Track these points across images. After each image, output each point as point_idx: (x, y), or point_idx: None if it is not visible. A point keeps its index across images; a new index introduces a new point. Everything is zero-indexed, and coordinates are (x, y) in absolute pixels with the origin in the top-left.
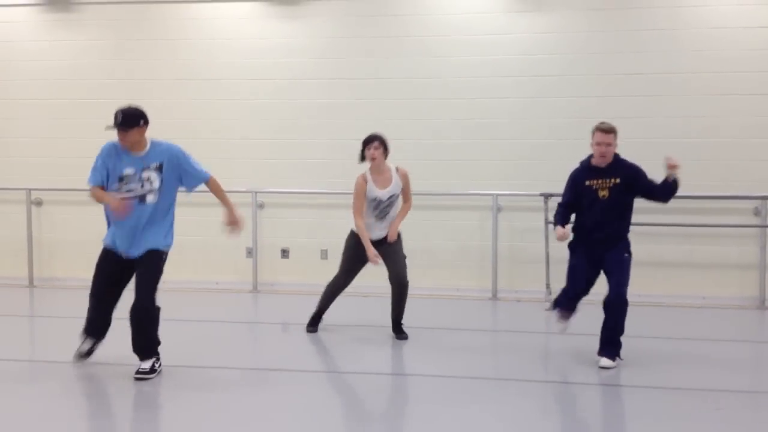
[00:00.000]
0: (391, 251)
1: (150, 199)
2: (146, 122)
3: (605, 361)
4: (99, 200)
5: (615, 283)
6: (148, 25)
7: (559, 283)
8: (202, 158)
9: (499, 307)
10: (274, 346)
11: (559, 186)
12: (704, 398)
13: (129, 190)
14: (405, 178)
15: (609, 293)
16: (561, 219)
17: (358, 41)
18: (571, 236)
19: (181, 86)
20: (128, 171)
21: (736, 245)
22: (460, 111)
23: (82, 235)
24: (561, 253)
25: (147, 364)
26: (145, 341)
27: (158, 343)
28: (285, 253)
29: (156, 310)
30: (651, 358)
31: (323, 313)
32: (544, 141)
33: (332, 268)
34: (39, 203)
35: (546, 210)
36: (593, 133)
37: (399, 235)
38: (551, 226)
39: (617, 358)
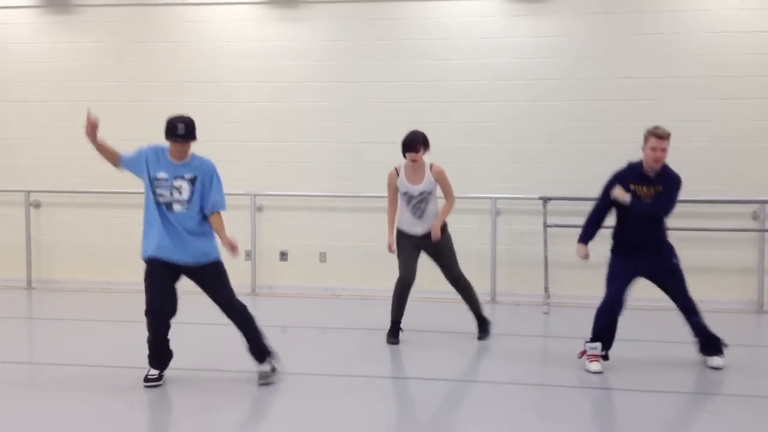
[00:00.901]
0: (436, 250)
1: (177, 208)
2: (196, 136)
3: (716, 360)
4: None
5: (680, 293)
6: (148, 28)
7: (558, 286)
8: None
9: (498, 310)
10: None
11: (558, 189)
12: (702, 402)
13: (160, 194)
14: (439, 175)
15: (679, 304)
16: (586, 231)
17: (357, 44)
18: (626, 198)
19: (181, 89)
20: (161, 175)
21: (735, 249)
22: (460, 114)
23: (81, 237)
24: (559, 257)
25: (267, 366)
26: (258, 341)
27: (265, 340)
28: (284, 255)
29: (246, 309)
30: (649, 362)
31: (399, 320)
32: (544, 145)
33: (331, 271)
34: (37, 205)
35: (545, 213)
36: (646, 137)
37: (445, 230)
38: (550, 229)
39: (724, 349)
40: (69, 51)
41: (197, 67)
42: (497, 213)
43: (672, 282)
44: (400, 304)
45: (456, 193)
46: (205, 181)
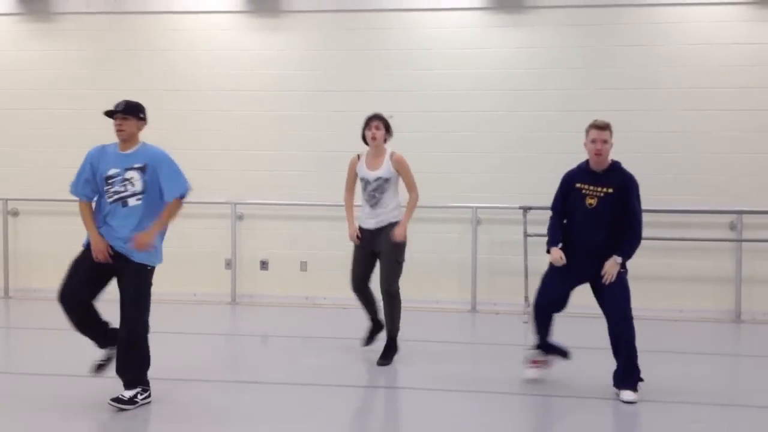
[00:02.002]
0: (383, 251)
1: (132, 202)
2: (145, 119)
3: (627, 394)
4: (84, 223)
5: (613, 305)
6: (129, 36)
7: None
8: (182, 169)
9: (478, 319)
10: (252, 359)
11: (539, 199)
12: (682, 411)
13: (116, 192)
14: (399, 164)
15: (608, 315)
16: (554, 234)
17: (339, 54)
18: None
19: (162, 97)
20: (113, 171)
21: (712, 259)
22: (441, 124)
23: (59, 245)
24: (540, 266)
25: (129, 392)
26: (131, 366)
27: (146, 367)
28: (264, 264)
29: (144, 332)
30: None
31: (371, 320)
32: (524, 155)
33: (311, 280)
34: (15, 213)
35: (525, 223)
36: (587, 130)
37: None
38: (530, 239)
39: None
40: (49, 59)
41: (178, 76)
42: (478, 222)
43: (606, 290)
44: (360, 299)
45: (437, 202)
46: (157, 169)
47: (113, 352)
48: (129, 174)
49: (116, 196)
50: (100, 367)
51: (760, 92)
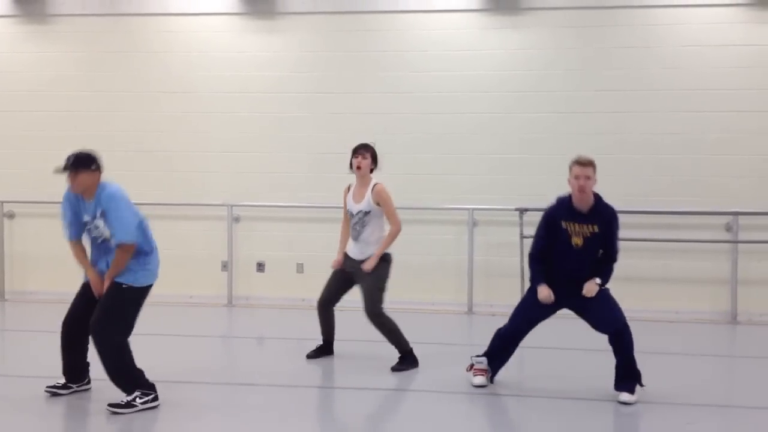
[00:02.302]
0: (363, 281)
1: (113, 243)
2: (98, 168)
3: (625, 396)
4: (79, 263)
5: (603, 317)
6: (124, 38)
7: None
8: (178, 171)
9: (475, 321)
10: (248, 361)
11: (535, 201)
12: (678, 412)
13: (95, 237)
14: (379, 195)
15: (603, 328)
16: (540, 271)
17: (335, 56)
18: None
19: (158, 99)
20: (86, 218)
21: (709, 260)
22: (437, 126)
23: (55, 248)
24: None
25: (127, 397)
26: (115, 376)
27: (132, 373)
28: (261, 266)
29: (117, 343)
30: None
31: (330, 340)
32: (520, 156)
33: (308, 282)
34: (11, 216)
35: (521, 224)
36: (570, 167)
37: (387, 260)
38: (526, 240)
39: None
40: (44, 61)
41: (174, 78)
42: (474, 224)
43: (597, 306)
44: (321, 323)
45: (433, 204)
46: (104, 209)
47: (70, 389)
48: (96, 222)
49: (100, 239)
50: (52, 389)
51: (756, 94)
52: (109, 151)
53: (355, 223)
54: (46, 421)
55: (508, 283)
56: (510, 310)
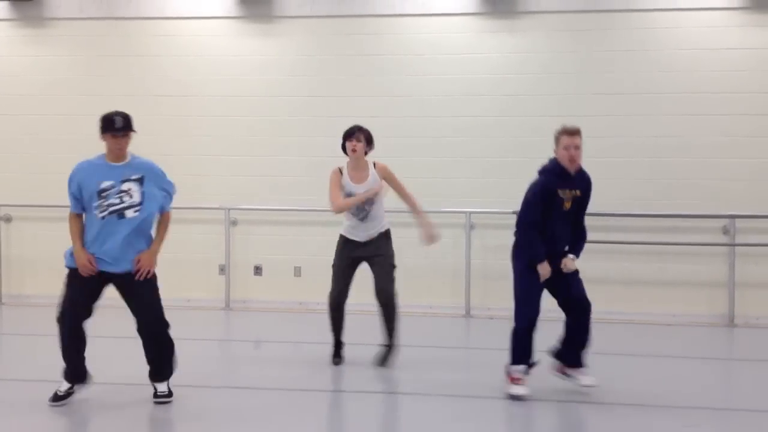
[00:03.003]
0: (376, 259)
1: (129, 214)
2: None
3: (591, 379)
4: (71, 236)
5: (579, 291)
6: (122, 42)
7: None
8: (175, 174)
9: (472, 324)
10: (245, 364)
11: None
12: (674, 415)
13: (110, 205)
14: (384, 171)
15: (575, 301)
16: (539, 248)
17: (332, 59)
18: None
19: (155, 102)
20: (106, 184)
21: (706, 263)
22: (434, 129)
23: (53, 251)
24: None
25: (164, 386)
26: (163, 362)
27: (173, 356)
28: (258, 270)
29: (168, 329)
30: (621, 376)
31: (339, 339)
32: (517, 159)
33: (305, 285)
34: (8, 219)
35: None
36: (558, 137)
37: (389, 239)
38: None
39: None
40: (41, 65)
41: (171, 81)
42: (471, 227)
43: (571, 280)
44: (336, 317)
45: (430, 207)
46: (154, 180)
47: (76, 388)
48: (126, 186)
49: (111, 209)
50: (59, 398)
51: (752, 97)
52: None
53: (364, 205)
54: (45, 424)
55: (505, 286)
56: (507, 313)
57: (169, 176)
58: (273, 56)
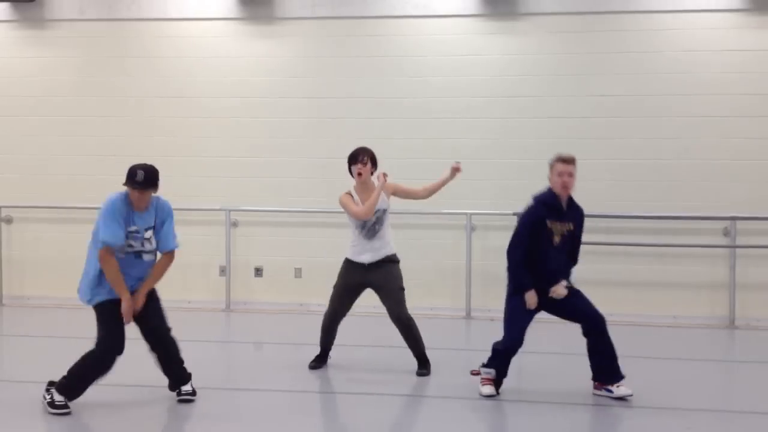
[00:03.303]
0: (383, 283)
1: (147, 257)
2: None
3: (624, 390)
4: (110, 279)
5: (588, 308)
6: (123, 43)
7: None
8: (175, 176)
9: (473, 326)
10: (246, 366)
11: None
12: (675, 417)
13: (130, 246)
14: (389, 187)
15: (588, 320)
16: (526, 276)
17: (332, 61)
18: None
19: (156, 104)
20: (132, 228)
21: (707, 265)
22: (435, 130)
23: (53, 253)
24: None
25: (189, 386)
26: (181, 365)
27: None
28: (259, 271)
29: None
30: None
31: (328, 349)
32: (517, 161)
33: (306, 287)
34: (9, 221)
35: None
36: (552, 164)
37: (395, 263)
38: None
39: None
40: (42, 66)
41: (172, 83)
42: (472, 229)
43: (576, 299)
44: (327, 334)
45: (431, 209)
46: (164, 220)
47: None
48: (148, 234)
49: (131, 250)
50: (58, 407)
51: (753, 99)
52: (107, 156)
53: (372, 224)
54: (45, 426)
55: (505, 289)
56: None
57: (170, 177)
58: (274, 58)
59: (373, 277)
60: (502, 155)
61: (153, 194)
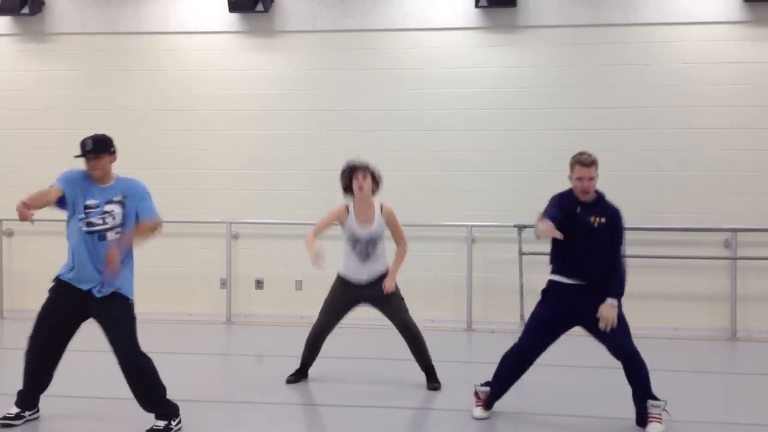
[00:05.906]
0: (384, 305)
1: (110, 236)
2: (115, 150)
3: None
4: (39, 198)
5: (617, 342)
6: (123, 56)
7: None
8: (176, 189)
9: (474, 338)
10: (247, 378)
11: (533, 217)
12: (676, 429)
13: (91, 225)
14: (389, 216)
15: (617, 354)
16: (553, 210)
17: (333, 73)
18: (556, 235)
19: (157, 117)
20: (91, 201)
21: (708, 277)
22: (435, 143)
23: (54, 266)
24: (535, 285)
25: (161, 423)
26: (151, 393)
27: (164, 393)
28: (259, 284)
29: (146, 360)
30: (622, 390)
31: (308, 365)
32: (518, 173)
33: (307, 299)
34: (10, 234)
35: (520, 241)
36: (572, 166)
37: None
38: (525, 257)
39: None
40: (43, 79)
41: (173, 96)
42: (473, 241)
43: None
44: (312, 349)
45: (432, 221)
46: (135, 199)
47: (23, 419)
48: (109, 207)
49: (92, 228)
50: (5, 421)
51: (753, 110)
52: None
53: (366, 243)
54: None
55: (507, 301)
56: (509, 327)
57: (171, 190)
58: (274, 71)
59: (370, 294)
60: (502, 167)
61: (116, 171)
